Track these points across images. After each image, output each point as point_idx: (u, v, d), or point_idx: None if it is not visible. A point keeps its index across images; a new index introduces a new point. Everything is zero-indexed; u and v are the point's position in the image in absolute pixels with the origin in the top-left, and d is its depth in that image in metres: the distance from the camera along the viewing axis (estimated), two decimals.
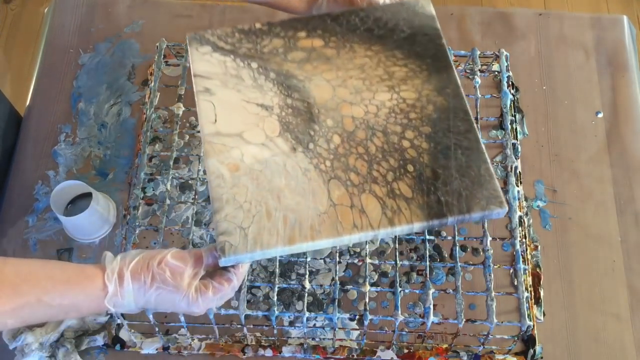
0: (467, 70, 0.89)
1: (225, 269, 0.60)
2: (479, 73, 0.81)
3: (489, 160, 0.63)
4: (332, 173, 0.62)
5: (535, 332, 0.78)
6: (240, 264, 0.60)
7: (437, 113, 0.66)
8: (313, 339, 0.78)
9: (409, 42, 0.71)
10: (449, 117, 0.65)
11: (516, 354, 0.77)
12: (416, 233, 0.84)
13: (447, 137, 0.64)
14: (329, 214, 0.59)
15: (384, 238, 0.84)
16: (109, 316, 0.77)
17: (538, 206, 0.87)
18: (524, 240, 0.82)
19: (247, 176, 0.62)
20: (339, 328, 0.78)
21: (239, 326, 0.78)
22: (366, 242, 0.74)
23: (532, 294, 0.80)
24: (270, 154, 0.63)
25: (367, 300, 0.70)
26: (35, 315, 0.58)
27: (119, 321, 0.75)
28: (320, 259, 0.78)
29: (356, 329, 0.79)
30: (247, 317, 0.69)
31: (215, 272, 0.60)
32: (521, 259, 0.71)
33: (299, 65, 0.70)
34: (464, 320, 0.68)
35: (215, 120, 0.65)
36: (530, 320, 0.68)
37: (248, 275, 0.70)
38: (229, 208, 0.60)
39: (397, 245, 0.73)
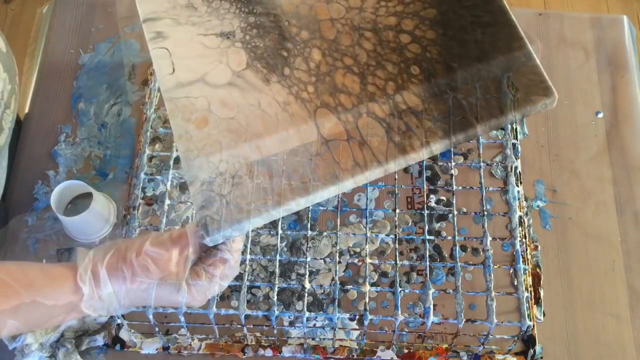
0: None
1: (216, 247, 0.51)
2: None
3: (523, 36, 0.48)
4: (318, 100, 0.50)
5: (535, 332, 0.78)
6: (232, 240, 0.50)
7: None
8: (313, 339, 0.78)
9: None
10: None
11: (516, 354, 0.77)
12: (416, 233, 0.84)
13: (460, 16, 0.49)
14: (322, 155, 0.49)
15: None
16: (109, 316, 0.77)
17: (538, 206, 0.87)
18: (524, 240, 0.81)
19: (218, 128, 0.51)
20: (339, 328, 0.78)
21: (239, 326, 0.78)
22: (366, 242, 0.74)
23: (532, 294, 0.80)
24: (240, 93, 0.52)
25: (367, 300, 0.70)
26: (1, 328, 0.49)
27: (119, 321, 0.75)
28: (320, 259, 0.77)
29: (356, 329, 0.78)
30: (247, 317, 0.69)
31: (208, 252, 0.51)
32: (521, 259, 0.71)
33: None
34: (464, 320, 0.67)
35: (173, 70, 0.54)
36: (530, 320, 0.68)
37: (248, 275, 0.70)
38: (204, 174, 0.49)
39: (397, 245, 0.73)
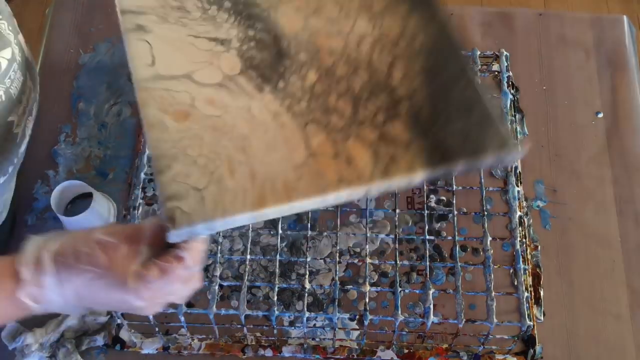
0: None
1: (174, 245, 0.46)
2: (479, 73, 0.81)
3: (493, 101, 0.52)
4: (309, 116, 0.50)
5: (535, 332, 0.78)
6: (194, 239, 0.46)
7: (429, 44, 0.54)
8: (313, 339, 0.78)
9: None
10: (443, 50, 0.54)
11: (516, 354, 0.77)
12: (416, 233, 0.84)
13: (444, 71, 0.52)
14: (308, 165, 0.47)
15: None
16: (109, 316, 0.77)
17: (538, 206, 0.87)
18: (524, 240, 0.81)
19: (200, 124, 0.49)
20: (339, 328, 0.78)
21: (239, 326, 0.78)
22: (366, 242, 0.74)
23: (532, 294, 0.80)
24: (229, 95, 0.51)
25: (367, 300, 0.70)
26: None
27: (119, 321, 0.75)
28: (320, 259, 0.77)
29: (356, 329, 0.78)
30: (247, 317, 0.69)
31: (164, 250, 0.46)
32: (521, 259, 0.71)
33: None
34: (464, 320, 0.67)
35: (153, 62, 0.52)
36: (530, 320, 0.68)
37: (248, 275, 0.70)
38: (178, 165, 0.47)
39: (397, 245, 0.73)
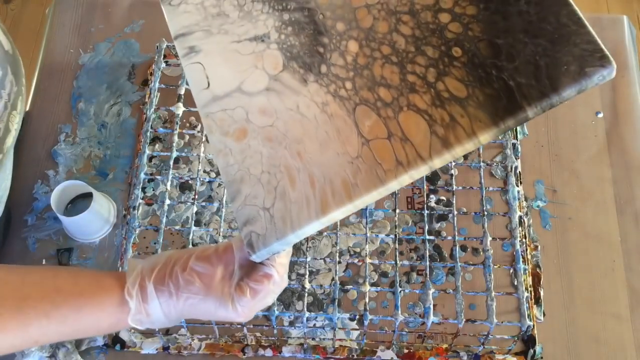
0: None
1: (262, 262, 0.50)
2: None
3: (572, 1, 0.43)
4: (357, 97, 0.47)
5: (535, 332, 0.78)
6: (277, 254, 0.49)
7: None
8: (313, 339, 0.78)
9: None
10: None
11: (516, 354, 0.77)
12: (416, 233, 0.84)
13: None
14: (363, 156, 0.45)
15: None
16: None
17: (538, 206, 0.87)
18: (524, 240, 0.82)
19: (257, 138, 0.49)
20: (339, 328, 0.78)
21: (239, 326, 0.78)
22: (366, 242, 0.74)
23: (532, 294, 0.80)
24: (277, 98, 0.50)
25: (367, 300, 0.70)
26: (47, 336, 0.49)
27: None
28: (320, 259, 0.78)
29: (356, 329, 0.79)
30: None
31: (253, 267, 0.50)
32: (521, 259, 0.71)
33: None
34: (464, 320, 0.68)
35: (208, 84, 0.52)
36: (530, 320, 0.68)
37: None
38: (246, 187, 0.48)
39: (397, 245, 0.73)
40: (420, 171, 0.44)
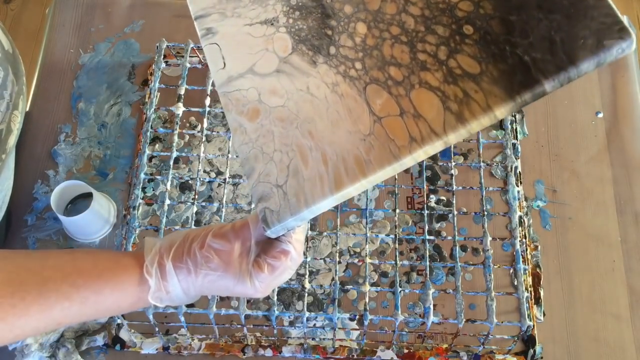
0: None
1: (278, 238, 0.50)
2: None
3: None
4: (367, 77, 0.47)
5: (535, 332, 0.78)
6: (293, 230, 0.50)
7: None
8: (313, 339, 0.78)
9: None
10: None
11: (516, 354, 0.77)
12: (416, 233, 0.84)
13: None
14: (375, 134, 0.45)
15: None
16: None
17: (538, 206, 0.87)
18: (524, 240, 0.82)
19: (269, 118, 0.50)
20: (339, 328, 0.78)
21: (239, 326, 0.78)
22: (366, 242, 0.74)
23: (532, 294, 0.80)
24: (288, 80, 0.51)
25: (367, 300, 0.70)
26: (69, 317, 0.49)
27: (119, 321, 0.75)
28: (320, 259, 0.78)
29: (356, 329, 0.79)
30: (247, 317, 0.69)
31: (270, 244, 0.51)
32: (521, 259, 0.71)
33: None
34: (464, 320, 0.68)
35: (224, 65, 0.54)
36: (530, 320, 0.68)
37: None
38: (260, 165, 0.49)
39: (397, 245, 0.73)
40: (436, 147, 0.43)
